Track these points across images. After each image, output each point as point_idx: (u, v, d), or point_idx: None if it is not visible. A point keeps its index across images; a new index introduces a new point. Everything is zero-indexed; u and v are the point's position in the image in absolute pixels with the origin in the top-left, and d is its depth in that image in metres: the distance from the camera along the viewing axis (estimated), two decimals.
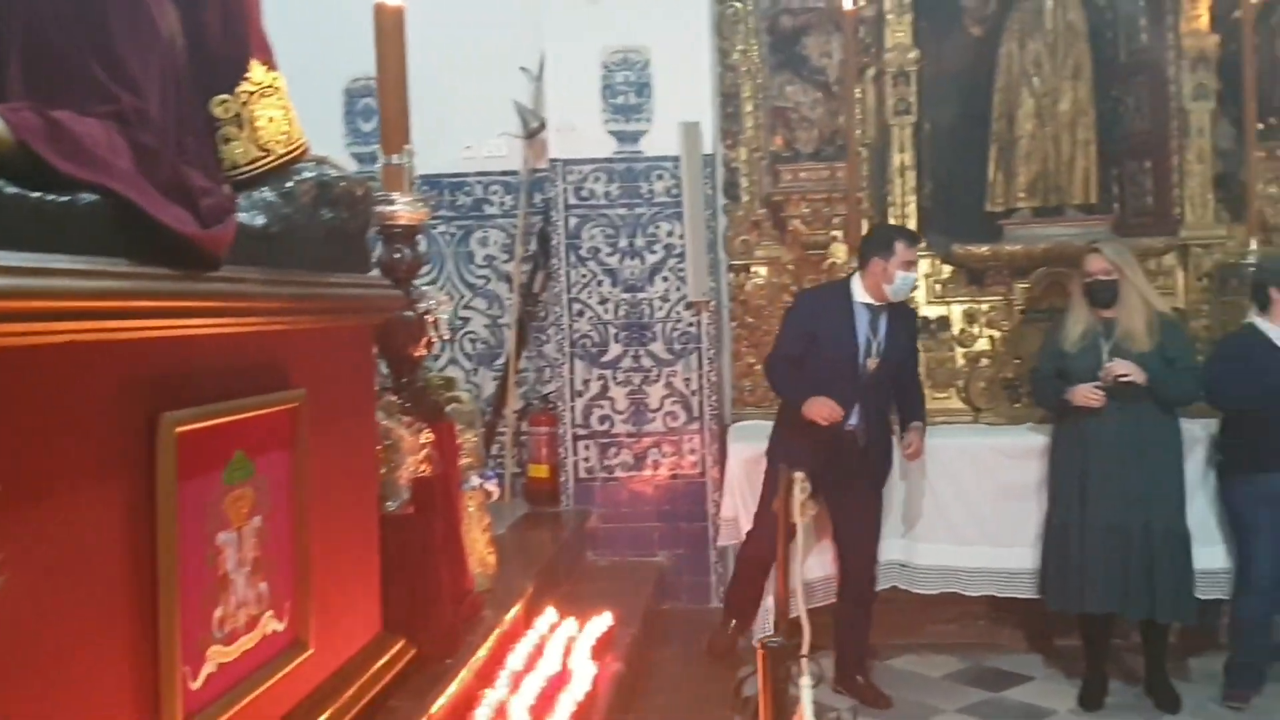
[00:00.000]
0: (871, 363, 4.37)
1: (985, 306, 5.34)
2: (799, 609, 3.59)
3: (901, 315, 4.53)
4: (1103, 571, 4.22)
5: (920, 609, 4.98)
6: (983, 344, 5.33)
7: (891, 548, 4.70)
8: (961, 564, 4.72)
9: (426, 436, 3.19)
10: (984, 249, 5.22)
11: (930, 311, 5.35)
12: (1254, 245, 4.97)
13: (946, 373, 5.33)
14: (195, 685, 1.97)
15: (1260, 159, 5.13)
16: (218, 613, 2.07)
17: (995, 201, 5.44)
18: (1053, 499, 4.43)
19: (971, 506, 4.72)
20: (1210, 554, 4.43)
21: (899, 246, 4.33)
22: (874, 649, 4.79)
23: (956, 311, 5.38)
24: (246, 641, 2.17)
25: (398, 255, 3.28)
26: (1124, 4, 5.47)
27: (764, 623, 4.50)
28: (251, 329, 2.20)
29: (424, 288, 3.42)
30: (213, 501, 2.05)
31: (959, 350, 5.35)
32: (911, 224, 5.24)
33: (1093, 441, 4.27)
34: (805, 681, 2.65)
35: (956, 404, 5.30)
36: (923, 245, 5.24)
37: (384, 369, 3.34)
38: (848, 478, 4.38)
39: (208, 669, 2.02)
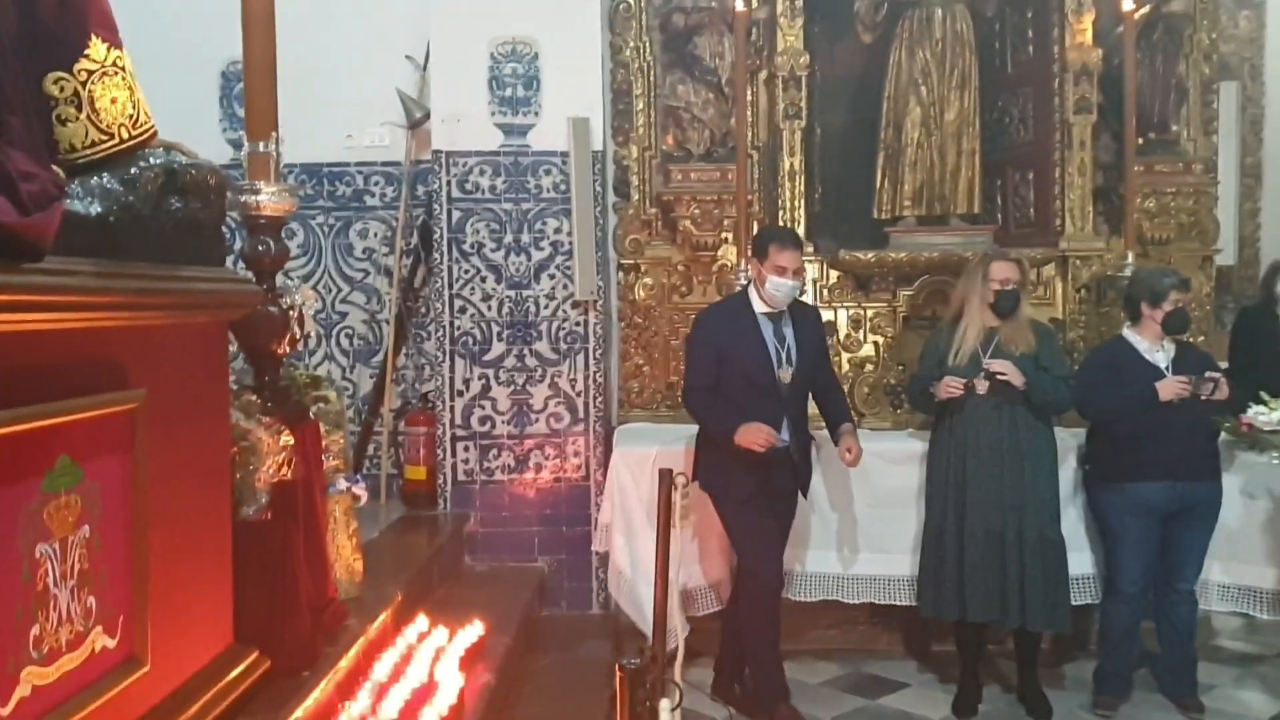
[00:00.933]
0: (785, 374, 4.22)
1: (870, 313, 5.34)
2: (676, 627, 3.54)
3: (806, 318, 4.39)
4: (978, 579, 4.24)
5: (802, 615, 4.95)
6: (867, 350, 5.35)
7: None
8: (843, 571, 4.72)
9: (287, 438, 3.04)
10: (870, 256, 5.22)
11: None
12: (1130, 258, 5.06)
13: None
14: (4, 711, 1.82)
15: (1139, 173, 5.23)
16: (34, 630, 1.91)
17: (882, 209, 5.46)
18: (930, 505, 4.44)
19: (853, 513, 4.73)
20: (1080, 560, 4.49)
21: (771, 249, 4.19)
22: None
23: (842, 317, 5.38)
24: (69, 661, 2.02)
25: (261, 247, 3.13)
26: (1011, 16, 5.54)
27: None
28: (82, 325, 2.04)
29: (288, 282, 3.27)
30: (30, 510, 1.90)
31: (844, 355, 5.35)
32: (801, 229, 5.22)
33: (970, 447, 4.29)
34: (665, 704, 2.58)
35: None
36: (810, 251, 5.24)
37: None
38: (781, 494, 4.31)
39: (20, 692, 1.87)
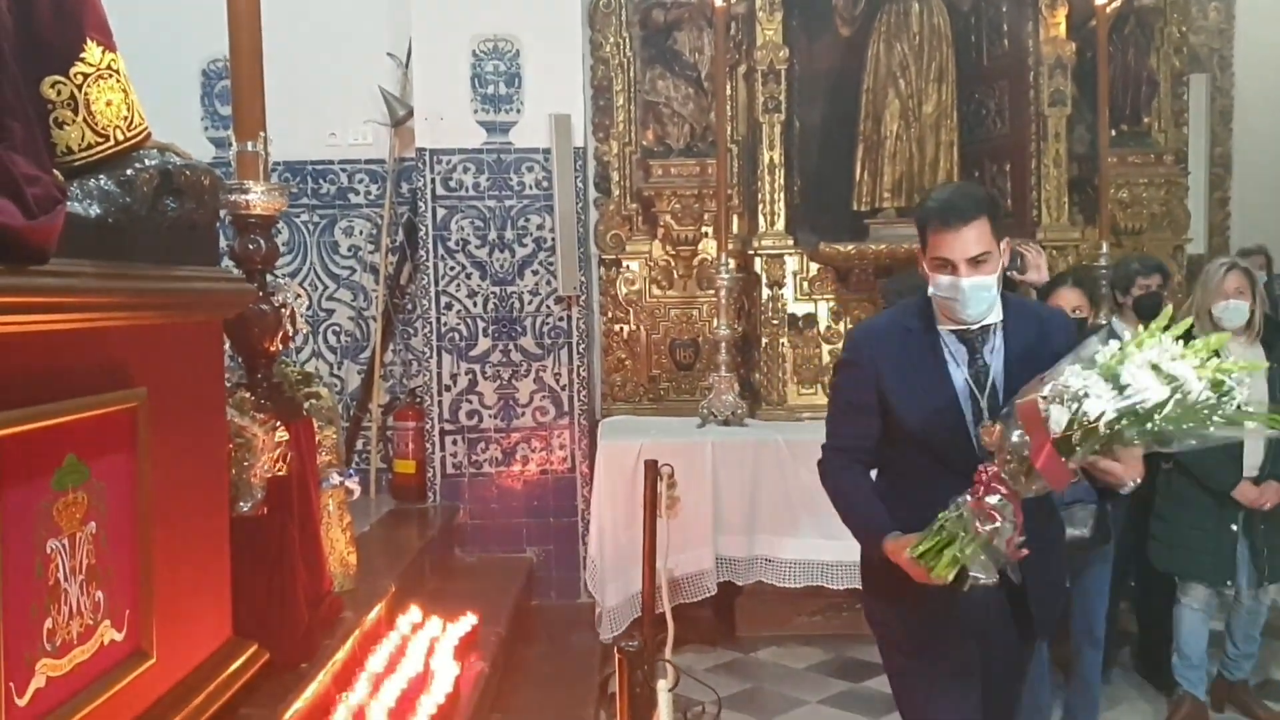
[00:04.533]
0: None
1: (851, 304, 5.43)
2: (664, 606, 3.61)
3: (1035, 329, 2.66)
4: None
5: (786, 602, 5.04)
6: None
7: (757, 543, 4.75)
8: (825, 557, 4.78)
9: (281, 434, 3.09)
10: (849, 248, 5.29)
11: (798, 308, 5.43)
12: (1105, 248, 5.15)
13: (812, 369, 5.42)
14: (21, 702, 1.86)
15: (1113, 164, 5.32)
16: (47, 624, 1.96)
17: (861, 201, 5.53)
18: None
19: None
20: None
21: (930, 236, 2.54)
22: (741, 642, 4.87)
23: (823, 308, 5.46)
24: (80, 653, 2.06)
25: (252, 246, 3.17)
26: (988, 10, 5.61)
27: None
28: (85, 325, 2.08)
29: (280, 280, 3.31)
30: (41, 508, 1.94)
31: (825, 347, 5.44)
32: (781, 222, 5.30)
33: None
34: (663, 685, 2.64)
35: (821, 399, 5.37)
36: (790, 243, 5.33)
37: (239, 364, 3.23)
38: (997, 645, 2.65)
39: (36, 684, 1.91)
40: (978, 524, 2.24)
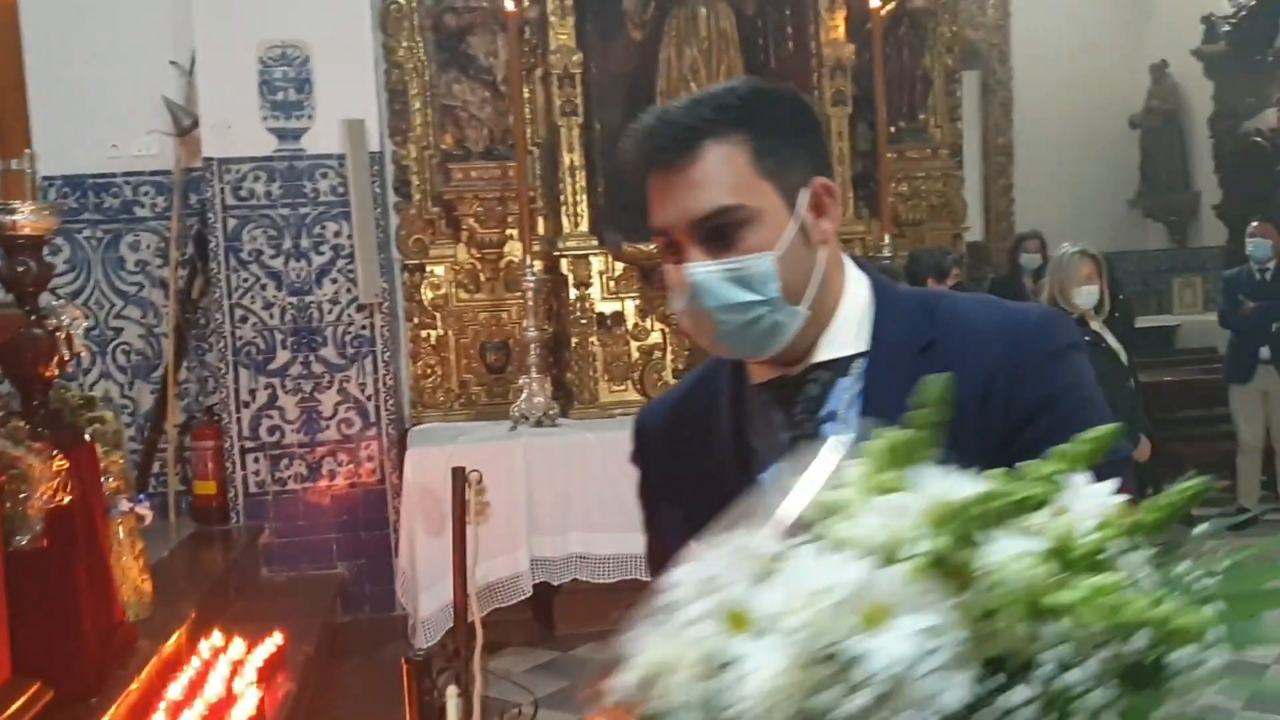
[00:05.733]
0: None
1: (656, 302, 5.54)
2: (474, 614, 3.62)
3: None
4: None
5: (604, 597, 5.10)
6: (655, 337, 5.55)
7: (571, 541, 4.80)
8: (638, 549, 4.85)
9: (60, 463, 2.96)
10: (651, 247, 5.40)
11: (606, 307, 5.51)
12: (888, 239, 5.42)
13: (622, 366, 5.51)
14: None
15: (892, 160, 5.60)
16: None
17: None
18: None
19: None
20: None
21: (652, 195, 1.34)
22: (561, 641, 4.91)
23: (630, 307, 5.55)
24: None
25: (21, 268, 3.03)
26: (772, 14, 5.81)
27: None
28: None
29: (54, 302, 3.17)
30: None
31: (634, 344, 5.54)
32: (584, 223, 5.37)
33: None
34: (452, 690, 2.66)
35: (633, 395, 5.49)
36: (594, 244, 5.41)
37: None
38: None
39: None
40: None
